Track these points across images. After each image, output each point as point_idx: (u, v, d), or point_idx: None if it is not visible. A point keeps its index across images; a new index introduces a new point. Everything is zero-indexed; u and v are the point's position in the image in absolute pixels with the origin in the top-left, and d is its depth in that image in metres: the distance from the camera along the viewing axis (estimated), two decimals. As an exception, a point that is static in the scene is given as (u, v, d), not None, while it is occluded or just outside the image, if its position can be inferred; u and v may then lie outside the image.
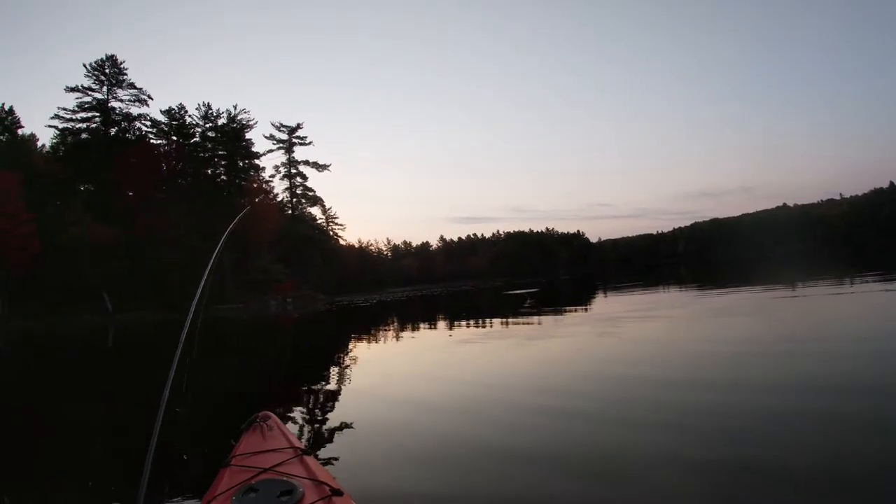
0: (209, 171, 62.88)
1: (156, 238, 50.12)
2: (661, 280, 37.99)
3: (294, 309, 45.94)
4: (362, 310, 35.57)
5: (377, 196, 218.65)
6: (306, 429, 6.12)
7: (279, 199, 73.28)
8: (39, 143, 59.98)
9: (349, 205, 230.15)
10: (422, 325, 20.16)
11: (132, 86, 57.93)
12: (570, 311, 20.67)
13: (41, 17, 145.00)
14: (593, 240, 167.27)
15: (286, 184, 74.80)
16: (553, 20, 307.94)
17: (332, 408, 7.35)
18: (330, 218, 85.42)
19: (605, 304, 22.93)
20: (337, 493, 2.29)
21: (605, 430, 5.11)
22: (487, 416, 6.05)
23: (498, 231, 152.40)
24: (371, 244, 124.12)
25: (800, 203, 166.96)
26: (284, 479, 2.38)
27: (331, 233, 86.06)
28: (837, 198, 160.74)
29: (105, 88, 56.87)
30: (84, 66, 56.10)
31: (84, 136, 56.59)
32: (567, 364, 8.94)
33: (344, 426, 6.13)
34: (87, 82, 56.07)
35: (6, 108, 55.46)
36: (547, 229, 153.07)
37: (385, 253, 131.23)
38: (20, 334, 33.46)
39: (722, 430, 4.70)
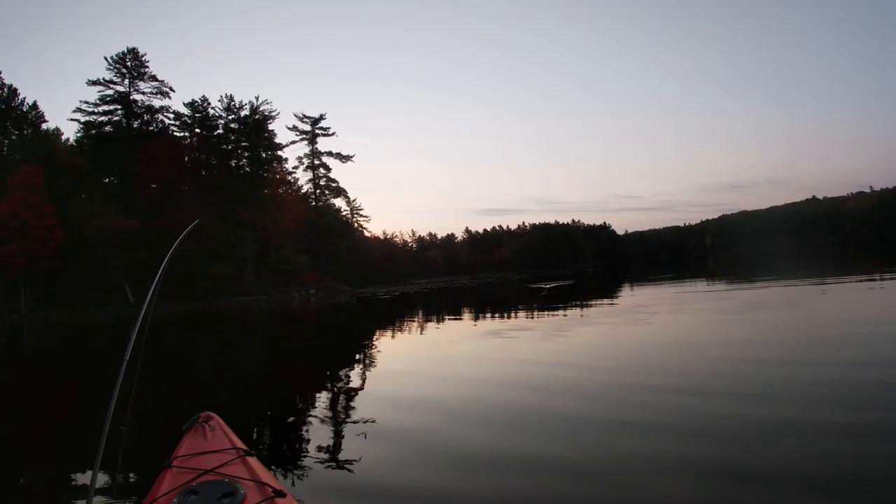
0: (232, 163, 62.84)
1: (179, 229, 49.96)
2: (691, 273, 37.09)
3: (317, 300, 45.77)
4: (382, 302, 35.18)
5: (402, 188, 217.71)
6: (251, 429, 5.93)
7: (303, 191, 73.18)
8: (64, 137, 60.64)
9: (374, 196, 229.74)
10: (433, 321, 19.72)
11: (154, 78, 57.93)
12: (599, 306, 20.10)
13: (68, 12, 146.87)
14: (620, 232, 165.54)
15: (309, 175, 74.42)
16: (578, 13, 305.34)
17: (280, 407, 7.26)
18: (354, 209, 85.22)
19: (642, 299, 22.35)
20: (280, 494, 2.24)
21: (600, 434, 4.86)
22: (456, 415, 5.85)
23: (524, 223, 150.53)
24: (396, 235, 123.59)
25: (829, 196, 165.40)
26: (226, 480, 2.31)
27: (355, 224, 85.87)
28: (867, 190, 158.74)
29: (127, 81, 56.84)
30: (105, 59, 56.16)
31: (107, 128, 56.73)
32: (559, 365, 8.40)
33: (290, 425, 6.10)
34: (108, 75, 56.15)
35: (29, 103, 56.00)
36: (573, 221, 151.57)
37: (410, 244, 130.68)
38: (42, 326, 33.56)
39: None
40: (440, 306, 27.51)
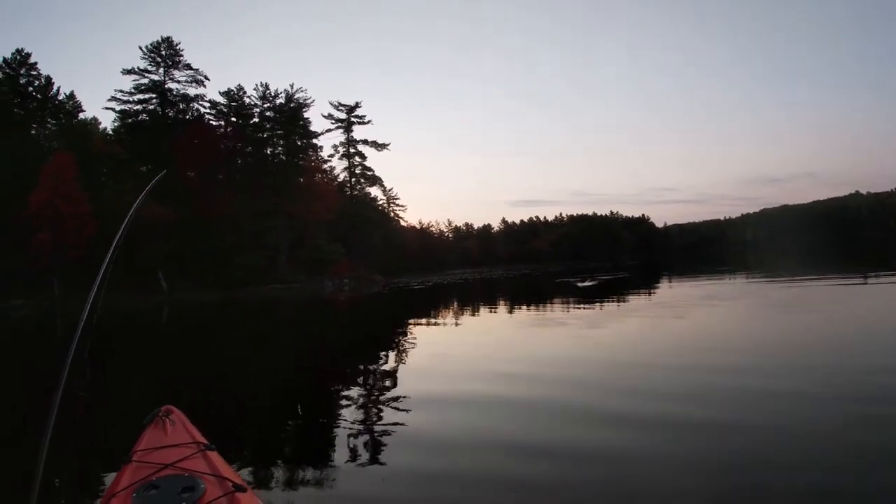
0: (268, 151, 62.77)
1: (213, 218, 50.12)
2: (738, 269, 35.67)
3: (350, 290, 45.45)
4: (413, 293, 34.54)
5: (439, 178, 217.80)
6: (212, 423, 5.24)
7: (338, 180, 72.80)
8: (102, 126, 61.12)
9: (411, 186, 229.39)
10: (465, 313, 19.22)
11: (188, 67, 57.72)
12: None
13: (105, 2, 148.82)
14: (658, 224, 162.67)
15: (345, 163, 73.87)
16: (614, 6, 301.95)
17: (243, 401, 7.19)
18: (391, 198, 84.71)
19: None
20: (240, 488, 2.22)
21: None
22: (451, 417, 5.66)
23: (560, 214, 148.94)
24: (432, 225, 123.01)
25: (872, 191, 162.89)
26: (186, 475, 2.27)
27: (391, 213, 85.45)
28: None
29: (161, 70, 56.70)
30: (140, 48, 56.11)
31: (142, 117, 56.81)
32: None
33: (253, 420, 6.09)
34: (143, 64, 56.12)
35: (66, 93, 56.34)
36: (611, 213, 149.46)
37: (446, 234, 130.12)
38: (74, 313, 33.66)
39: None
40: (474, 297, 26.78)
